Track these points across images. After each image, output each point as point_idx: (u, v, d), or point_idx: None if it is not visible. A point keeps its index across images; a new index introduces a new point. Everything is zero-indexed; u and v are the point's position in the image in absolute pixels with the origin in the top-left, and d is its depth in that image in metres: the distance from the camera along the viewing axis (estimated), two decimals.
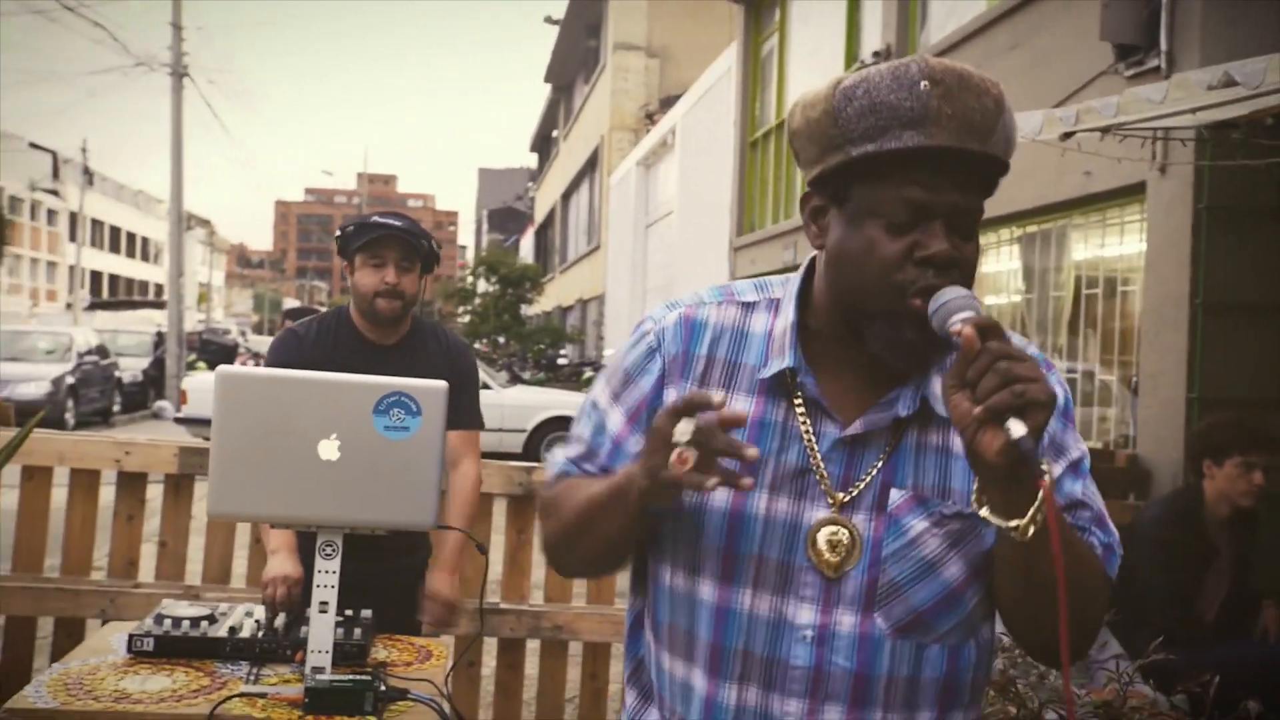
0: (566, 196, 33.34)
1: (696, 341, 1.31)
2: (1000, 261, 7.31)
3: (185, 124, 20.41)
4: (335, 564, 2.18)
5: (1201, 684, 2.44)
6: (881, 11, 8.80)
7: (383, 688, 2.15)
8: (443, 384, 2.19)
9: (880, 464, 1.26)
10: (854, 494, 1.25)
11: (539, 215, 40.69)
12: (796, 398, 1.27)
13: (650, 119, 23.03)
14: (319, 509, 2.16)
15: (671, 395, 1.30)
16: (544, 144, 42.63)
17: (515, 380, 15.76)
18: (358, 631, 2.39)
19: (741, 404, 1.28)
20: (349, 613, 2.48)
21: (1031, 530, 1.10)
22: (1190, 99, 2.85)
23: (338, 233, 3.01)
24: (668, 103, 21.32)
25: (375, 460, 2.14)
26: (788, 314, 1.30)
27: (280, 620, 2.45)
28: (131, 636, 2.30)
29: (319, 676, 2.14)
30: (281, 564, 2.66)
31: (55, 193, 46.61)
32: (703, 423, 1.10)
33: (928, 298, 1.17)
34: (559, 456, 1.40)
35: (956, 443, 1.24)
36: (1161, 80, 4.08)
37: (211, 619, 2.42)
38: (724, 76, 13.86)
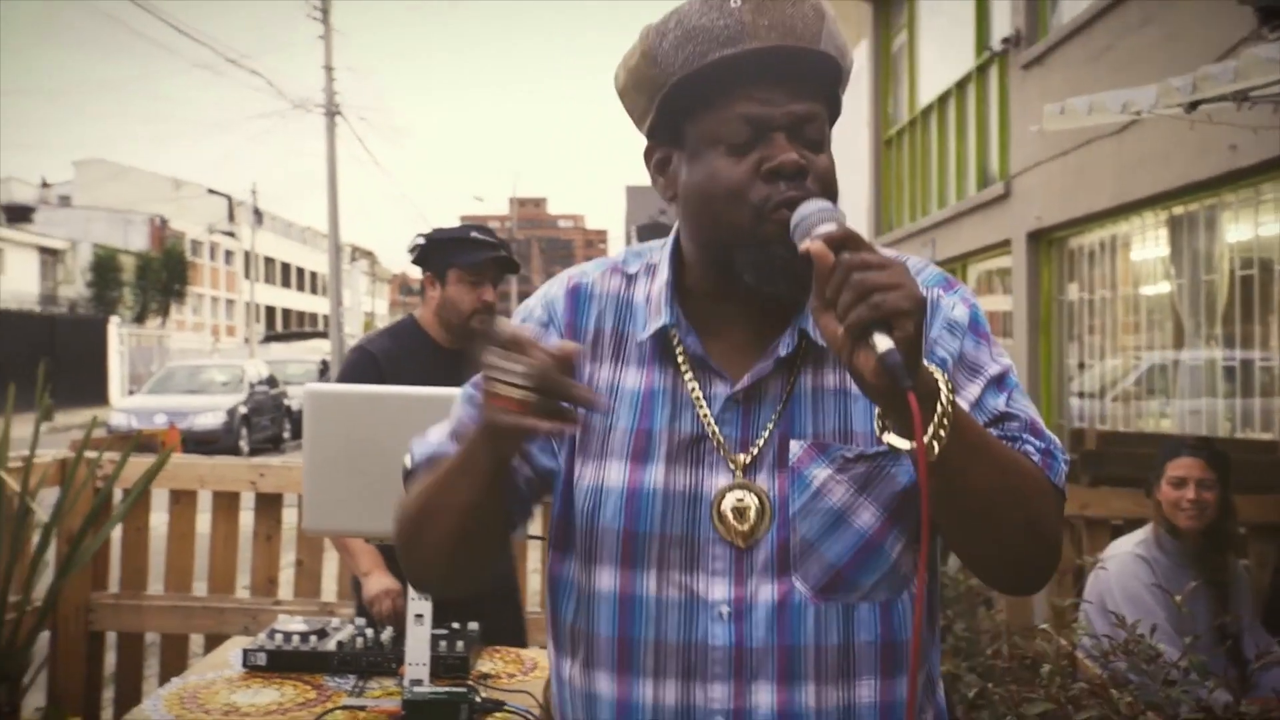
0: None
1: (583, 314, 1.26)
2: (1146, 248, 6.93)
3: (341, 161, 21.57)
4: None
5: None
6: None
7: (478, 699, 2.19)
8: None
9: (776, 417, 1.18)
10: (754, 454, 1.17)
11: None
12: (681, 360, 1.21)
13: None
14: None
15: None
16: None
17: None
18: (460, 644, 2.43)
19: (632, 375, 1.22)
20: (454, 625, 2.53)
21: (937, 448, 1.03)
22: None
23: (420, 240, 2.96)
24: None
25: None
26: (662, 273, 1.24)
27: (388, 634, 2.52)
28: (245, 651, 2.41)
29: (417, 689, 2.19)
30: (380, 580, 2.73)
31: (231, 234, 49.56)
32: (534, 364, 1.03)
33: (786, 209, 1.11)
34: (427, 439, 1.29)
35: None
36: None
37: (322, 633, 2.50)
38: (855, 76, 13.62)
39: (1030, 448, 1.18)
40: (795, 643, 1.15)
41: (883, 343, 0.98)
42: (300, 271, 59.95)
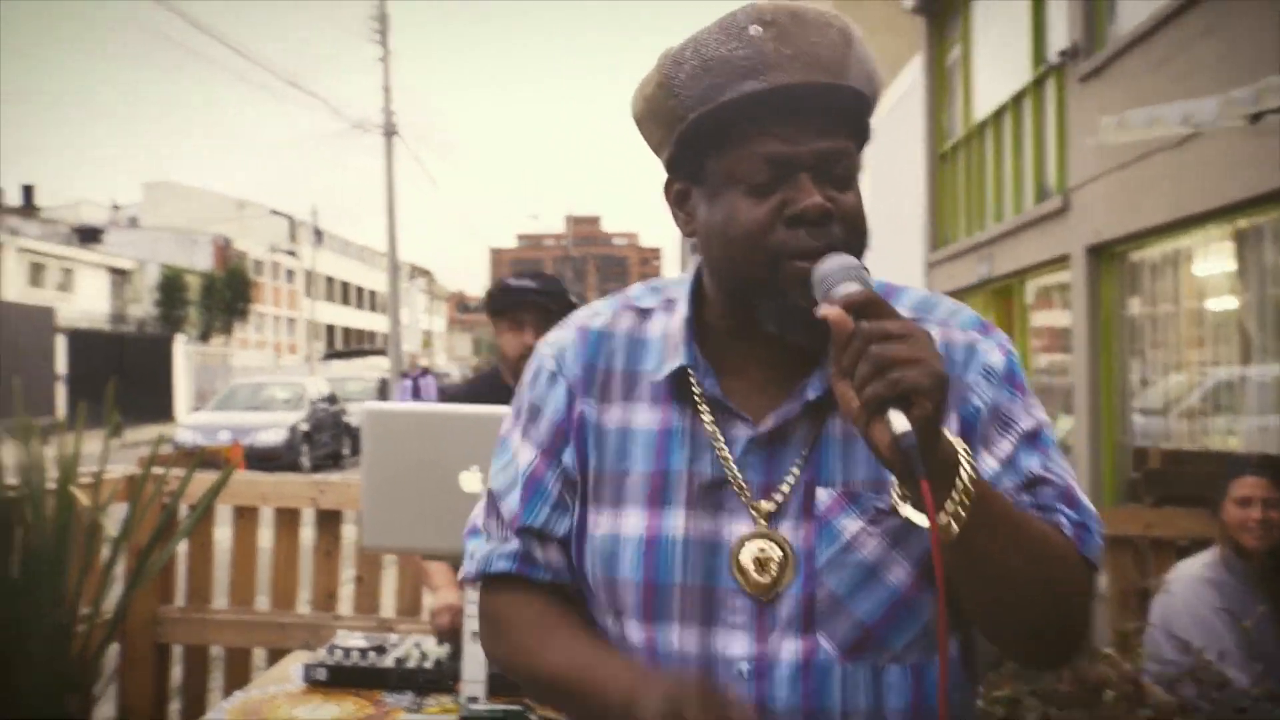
0: None
1: (595, 355, 1.20)
2: (1210, 261, 6.79)
3: (399, 180, 21.87)
4: None
5: None
6: (1067, 8, 8.39)
7: (534, 717, 2.20)
8: None
9: (802, 462, 1.10)
10: (779, 501, 1.10)
11: None
12: (699, 400, 1.14)
13: None
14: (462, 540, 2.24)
15: (578, 411, 1.19)
16: None
17: None
18: None
19: (644, 415, 1.16)
20: None
21: (955, 527, 0.97)
22: None
23: (485, 295, 3.14)
24: None
25: None
26: (680, 311, 1.17)
27: (445, 651, 2.55)
28: (306, 666, 2.45)
29: (473, 706, 2.21)
30: (446, 595, 2.76)
31: (292, 253, 50.49)
32: None
33: (807, 259, 1.05)
34: (482, 529, 1.24)
35: None
36: None
37: (381, 649, 2.54)
38: (909, 90, 13.54)
39: (1063, 519, 1.10)
40: (820, 706, 1.08)
41: (899, 422, 0.93)
42: (359, 290, 60.85)
